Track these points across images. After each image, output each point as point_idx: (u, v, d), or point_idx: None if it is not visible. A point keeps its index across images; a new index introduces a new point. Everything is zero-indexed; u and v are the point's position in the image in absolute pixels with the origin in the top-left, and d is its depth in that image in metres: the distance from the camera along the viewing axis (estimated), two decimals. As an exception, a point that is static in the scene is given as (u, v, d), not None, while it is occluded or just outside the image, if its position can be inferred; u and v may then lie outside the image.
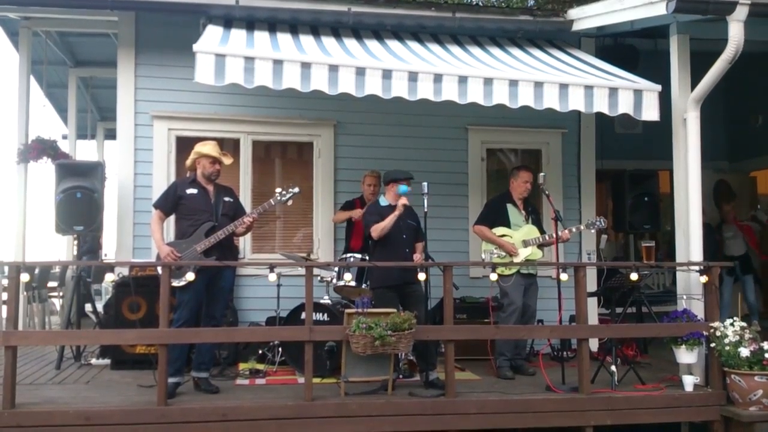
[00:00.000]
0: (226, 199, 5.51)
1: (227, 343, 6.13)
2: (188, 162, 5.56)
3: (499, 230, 6.12)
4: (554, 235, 5.84)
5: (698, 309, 5.59)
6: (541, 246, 6.14)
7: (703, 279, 5.50)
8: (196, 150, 5.49)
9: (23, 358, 6.36)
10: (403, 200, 5.56)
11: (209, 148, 5.46)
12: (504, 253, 6.03)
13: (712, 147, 7.65)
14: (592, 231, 6.30)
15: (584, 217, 7.34)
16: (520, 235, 6.10)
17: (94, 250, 8.94)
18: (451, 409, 4.99)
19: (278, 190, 5.48)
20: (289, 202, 5.52)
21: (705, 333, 5.32)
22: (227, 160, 5.58)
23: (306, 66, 5.37)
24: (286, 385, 5.58)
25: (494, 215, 6.20)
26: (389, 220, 5.56)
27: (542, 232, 6.20)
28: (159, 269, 5.13)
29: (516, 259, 6.00)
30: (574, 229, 6.10)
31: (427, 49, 6.41)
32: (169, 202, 5.44)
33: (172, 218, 5.61)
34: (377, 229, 5.60)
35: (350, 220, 6.80)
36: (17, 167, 7.47)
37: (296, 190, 5.50)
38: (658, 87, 5.79)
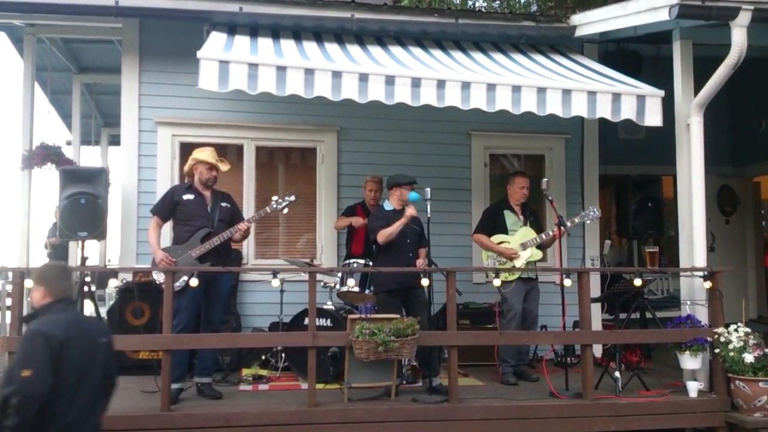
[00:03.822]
0: (223, 204, 5.52)
1: (230, 348, 6.14)
2: (186, 168, 5.59)
3: (497, 237, 6.12)
4: (551, 234, 5.90)
5: (702, 315, 5.58)
6: (540, 247, 6.13)
7: (707, 284, 5.49)
8: (193, 156, 5.52)
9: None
10: (412, 210, 5.56)
11: (206, 155, 5.47)
12: (505, 260, 6.03)
13: (716, 152, 7.61)
14: (587, 221, 6.24)
15: (588, 222, 7.30)
16: (517, 239, 6.09)
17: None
18: (454, 415, 4.98)
19: (274, 198, 5.49)
20: (285, 210, 5.51)
21: (709, 339, 5.31)
22: (224, 167, 5.58)
23: (309, 72, 5.37)
24: (289, 390, 5.58)
25: (491, 223, 6.21)
26: (396, 227, 5.55)
27: (540, 233, 6.18)
28: (154, 274, 5.15)
29: (518, 263, 6.00)
30: (569, 224, 6.00)
31: (430, 55, 6.42)
32: (166, 208, 5.47)
33: (170, 224, 5.62)
34: (384, 234, 5.59)
35: (350, 226, 6.80)
36: (21, 173, 7.47)
37: (292, 198, 5.49)
38: (661, 92, 5.78)
